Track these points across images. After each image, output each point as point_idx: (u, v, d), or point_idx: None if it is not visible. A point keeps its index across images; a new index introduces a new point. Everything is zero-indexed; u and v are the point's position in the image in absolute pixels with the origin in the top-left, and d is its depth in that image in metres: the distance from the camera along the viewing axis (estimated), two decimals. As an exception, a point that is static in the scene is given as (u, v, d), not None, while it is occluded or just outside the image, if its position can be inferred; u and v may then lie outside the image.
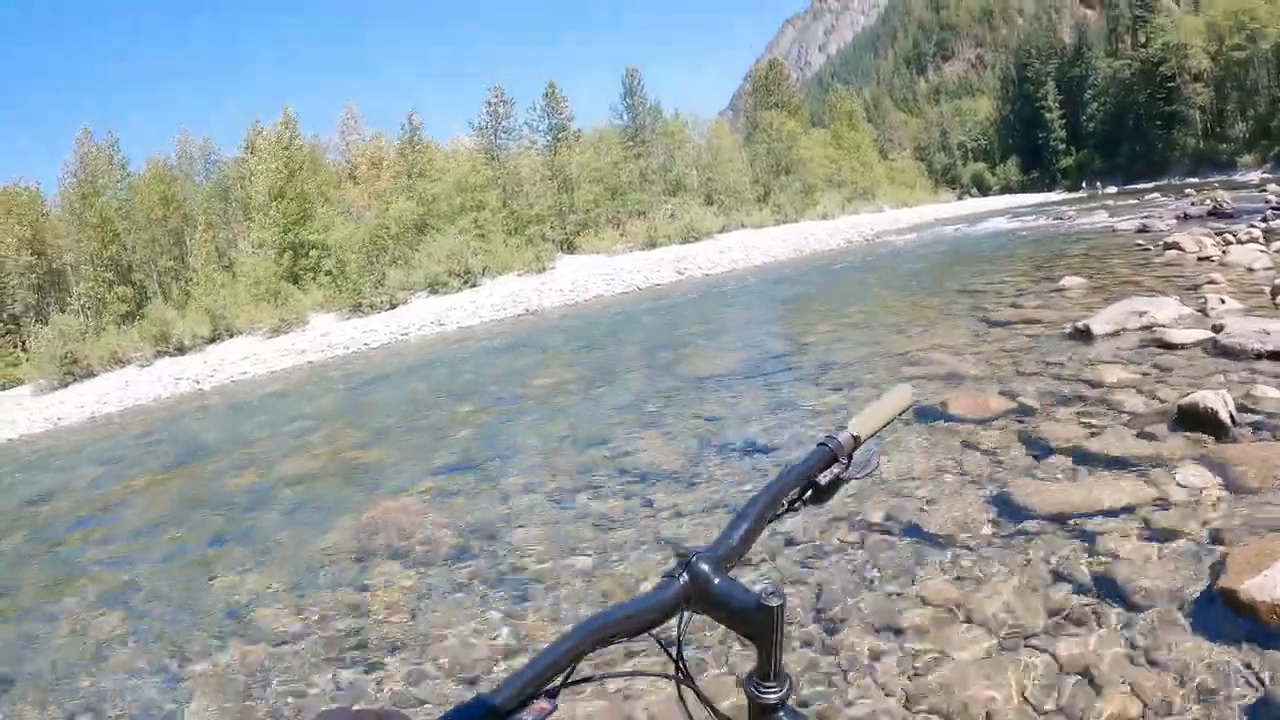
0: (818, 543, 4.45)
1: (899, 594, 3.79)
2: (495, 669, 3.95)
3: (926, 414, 6.25)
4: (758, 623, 0.83)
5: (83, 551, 8.07)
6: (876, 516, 4.64)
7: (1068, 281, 11.47)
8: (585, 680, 0.87)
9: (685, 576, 0.88)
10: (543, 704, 0.79)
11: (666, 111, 64.15)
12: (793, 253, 34.39)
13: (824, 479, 1.06)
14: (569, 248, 48.92)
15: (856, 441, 1.10)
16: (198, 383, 27.80)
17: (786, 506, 1.05)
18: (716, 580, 0.88)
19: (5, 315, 46.17)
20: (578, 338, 18.28)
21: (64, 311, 44.39)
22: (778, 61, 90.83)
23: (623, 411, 9.04)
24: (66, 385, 34.48)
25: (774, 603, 0.81)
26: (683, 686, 0.92)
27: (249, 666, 4.50)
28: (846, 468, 1.08)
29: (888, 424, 1.17)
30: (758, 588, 0.84)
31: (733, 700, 3.08)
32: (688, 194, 56.99)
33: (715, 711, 0.91)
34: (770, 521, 1.01)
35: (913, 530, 4.39)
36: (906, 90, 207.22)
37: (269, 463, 10.48)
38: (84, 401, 28.68)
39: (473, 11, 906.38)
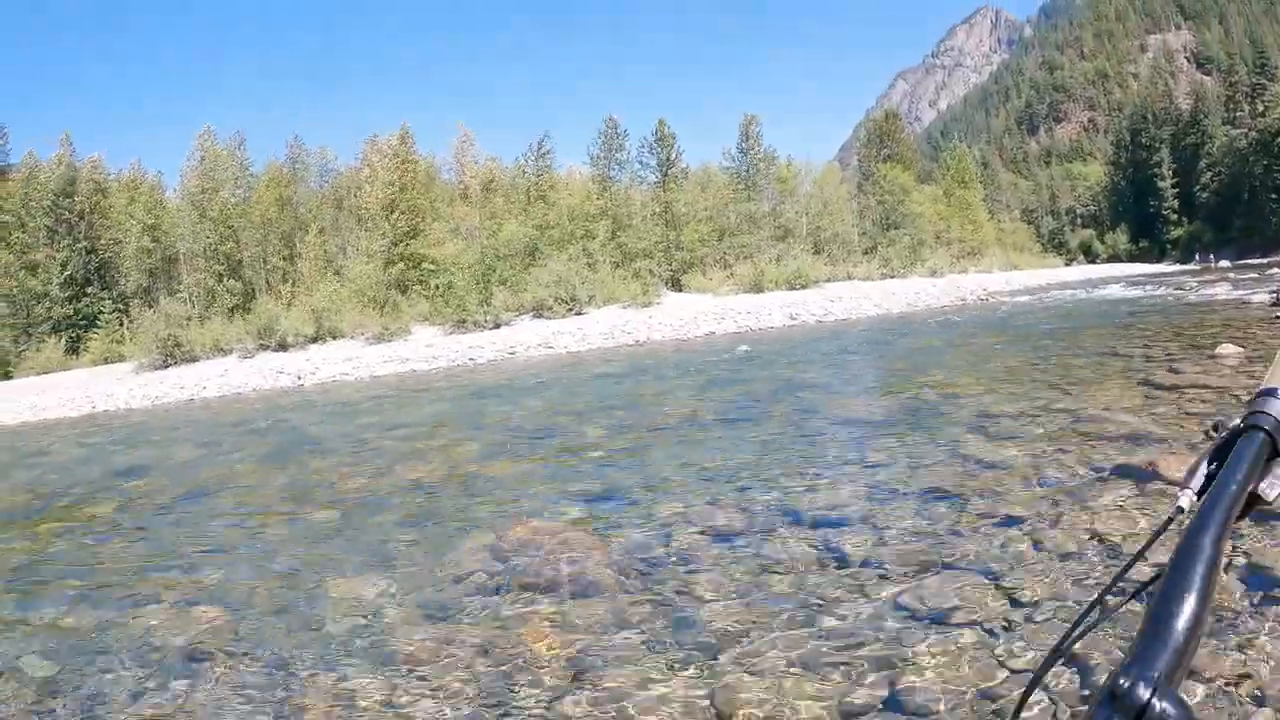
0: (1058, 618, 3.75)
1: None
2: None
3: (1135, 474, 5.60)
4: None
5: (176, 535, 7.54)
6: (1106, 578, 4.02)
7: (1224, 350, 10.58)
8: None
9: None
10: None
11: (780, 158, 64.18)
12: (906, 306, 33.48)
13: (1272, 491, 0.68)
14: (675, 285, 48.87)
15: None
16: (299, 378, 28.07)
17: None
18: None
19: (116, 293, 47.84)
20: (698, 371, 17.58)
21: (172, 296, 45.77)
22: (894, 113, 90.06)
23: (776, 450, 8.29)
24: (167, 367, 35.50)
25: None
26: None
27: (378, 703, 3.78)
28: None
29: None
30: None
31: None
32: (795, 241, 56.44)
33: None
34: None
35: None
36: (1017, 150, 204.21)
37: (382, 465, 9.93)
38: (184, 383, 29.30)
39: (590, 53, 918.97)
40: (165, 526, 7.93)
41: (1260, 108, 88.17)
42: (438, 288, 41.80)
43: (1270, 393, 0.73)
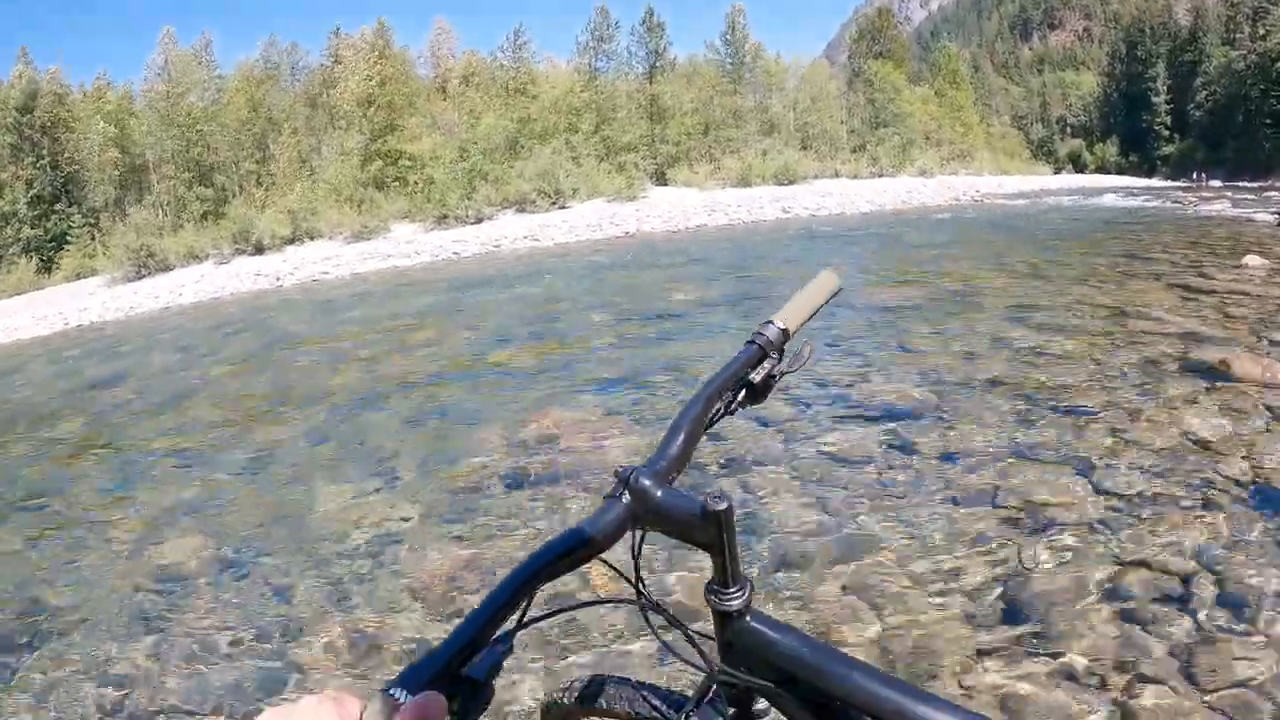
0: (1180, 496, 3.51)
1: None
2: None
3: (1206, 371, 5.25)
4: (707, 530, 0.81)
5: (149, 448, 6.78)
6: (1204, 475, 3.75)
7: (1250, 260, 10.07)
8: (544, 617, 0.86)
9: (627, 495, 0.85)
10: (496, 648, 0.76)
11: (767, 53, 62.96)
12: (900, 204, 32.87)
13: (757, 376, 1.05)
14: (660, 179, 47.93)
15: (786, 335, 1.09)
16: (277, 279, 27.16)
17: (723, 409, 1.04)
18: (660, 493, 0.84)
19: (85, 208, 46.55)
20: (697, 260, 16.99)
21: (141, 206, 44.57)
22: (887, 9, 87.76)
23: (806, 336, 7.70)
24: (141, 278, 34.38)
25: (719, 506, 0.79)
26: (646, 609, 0.91)
27: (388, 636, 3.15)
28: (779, 362, 1.07)
29: (816, 313, 1.15)
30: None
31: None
32: (782, 136, 55.54)
33: (682, 627, 0.89)
34: (709, 427, 1.01)
35: (1268, 500, 3.46)
36: (1009, 56, 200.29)
37: (370, 358, 9.29)
38: (158, 293, 28.31)
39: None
40: (138, 440, 7.18)
41: (1261, 30, 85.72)
42: (417, 184, 40.85)
43: (770, 322, 1.07)
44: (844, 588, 3.15)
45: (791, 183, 44.74)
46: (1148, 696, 2.35)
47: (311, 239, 37.09)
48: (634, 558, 0.90)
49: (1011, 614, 2.86)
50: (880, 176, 51.63)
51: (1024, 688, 2.45)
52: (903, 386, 5.60)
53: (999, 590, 3.00)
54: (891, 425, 4.82)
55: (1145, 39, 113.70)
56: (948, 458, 4.25)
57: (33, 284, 39.35)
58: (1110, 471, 3.85)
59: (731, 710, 0.96)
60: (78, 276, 39.24)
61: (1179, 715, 2.27)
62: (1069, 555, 3.18)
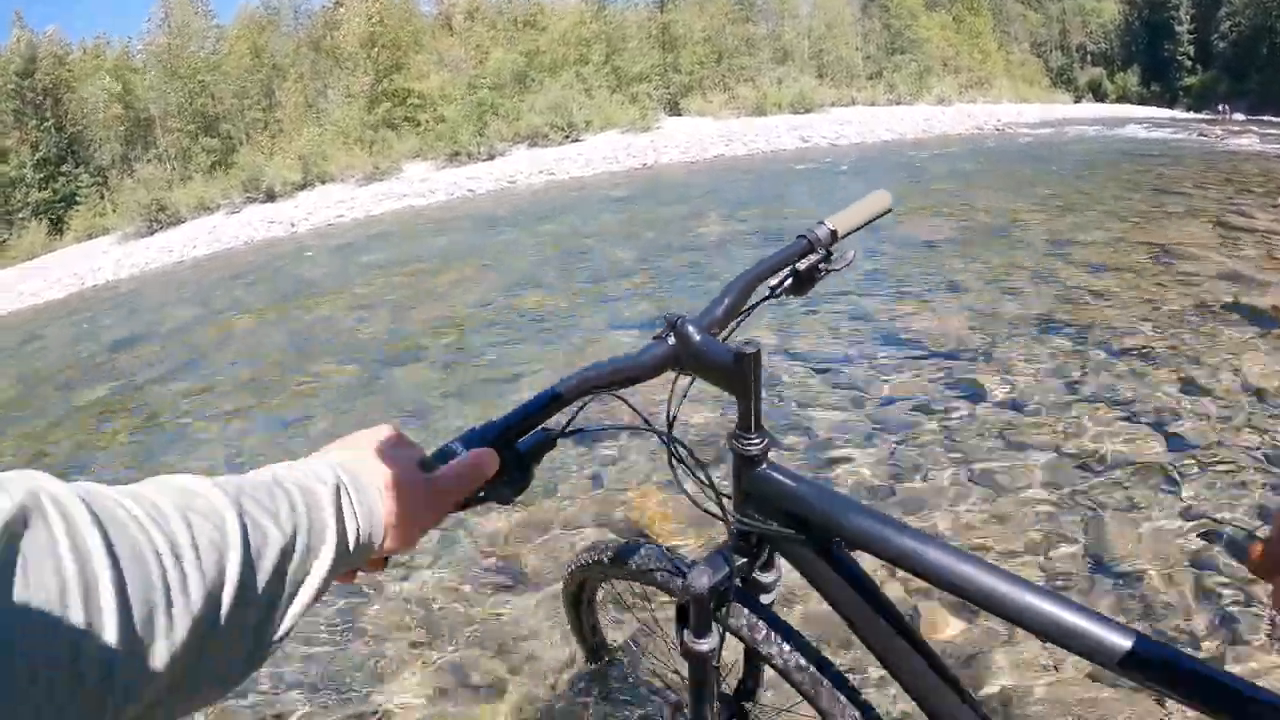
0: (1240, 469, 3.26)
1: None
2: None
3: (1259, 317, 5.00)
4: (736, 374, 0.91)
5: (176, 410, 6.52)
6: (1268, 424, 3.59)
7: None
8: (583, 431, 0.98)
9: (672, 337, 0.98)
10: (542, 433, 0.89)
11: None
12: (920, 132, 32.01)
13: (802, 266, 1.17)
14: (673, 109, 47.40)
15: (834, 236, 1.21)
16: (291, 225, 26.78)
17: (770, 293, 1.17)
18: (699, 338, 0.96)
19: (92, 167, 46.38)
20: (718, 192, 16.57)
21: (147, 161, 44.61)
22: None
23: (845, 270, 7.53)
24: (153, 233, 34.13)
25: (749, 350, 0.89)
26: (672, 445, 1.02)
27: (439, 608, 2.94)
28: (824, 259, 1.19)
29: (866, 224, 1.28)
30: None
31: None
32: (796, 64, 54.79)
33: (704, 472, 0.99)
34: (757, 305, 1.15)
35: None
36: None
37: (394, 305, 9.07)
38: (171, 246, 28.04)
39: None
40: (163, 403, 6.91)
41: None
42: (428, 122, 40.40)
43: (821, 222, 1.22)
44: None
45: (808, 111, 44.01)
46: (1229, 656, 2.28)
47: (323, 183, 36.79)
48: (670, 399, 1.02)
49: (1083, 567, 2.76)
50: (898, 104, 50.56)
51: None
52: (953, 326, 5.39)
53: (1070, 542, 2.91)
54: (947, 366, 4.67)
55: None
56: (1008, 403, 4.09)
57: (45, 246, 39.38)
58: (1175, 419, 3.70)
59: (740, 560, 1.05)
60: (89, 236, 39.22)
61: (1261, 672, 2.19)
62: (1141, 507, 3.06)
